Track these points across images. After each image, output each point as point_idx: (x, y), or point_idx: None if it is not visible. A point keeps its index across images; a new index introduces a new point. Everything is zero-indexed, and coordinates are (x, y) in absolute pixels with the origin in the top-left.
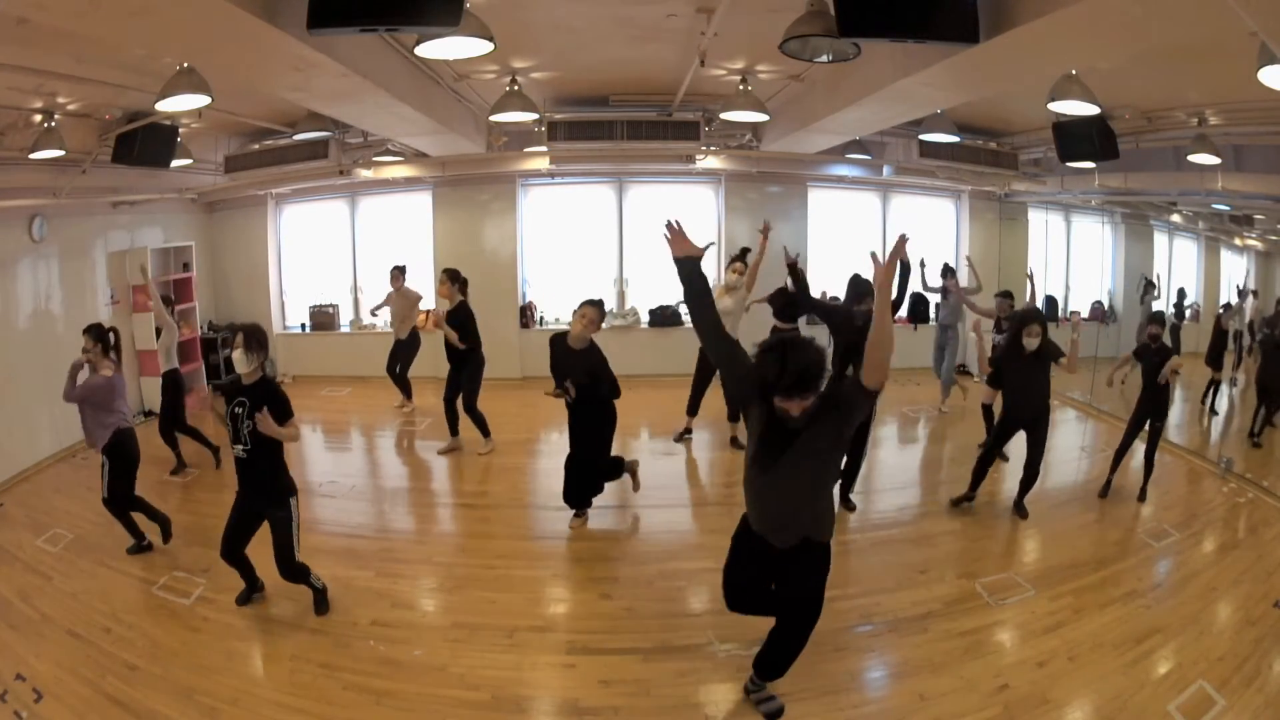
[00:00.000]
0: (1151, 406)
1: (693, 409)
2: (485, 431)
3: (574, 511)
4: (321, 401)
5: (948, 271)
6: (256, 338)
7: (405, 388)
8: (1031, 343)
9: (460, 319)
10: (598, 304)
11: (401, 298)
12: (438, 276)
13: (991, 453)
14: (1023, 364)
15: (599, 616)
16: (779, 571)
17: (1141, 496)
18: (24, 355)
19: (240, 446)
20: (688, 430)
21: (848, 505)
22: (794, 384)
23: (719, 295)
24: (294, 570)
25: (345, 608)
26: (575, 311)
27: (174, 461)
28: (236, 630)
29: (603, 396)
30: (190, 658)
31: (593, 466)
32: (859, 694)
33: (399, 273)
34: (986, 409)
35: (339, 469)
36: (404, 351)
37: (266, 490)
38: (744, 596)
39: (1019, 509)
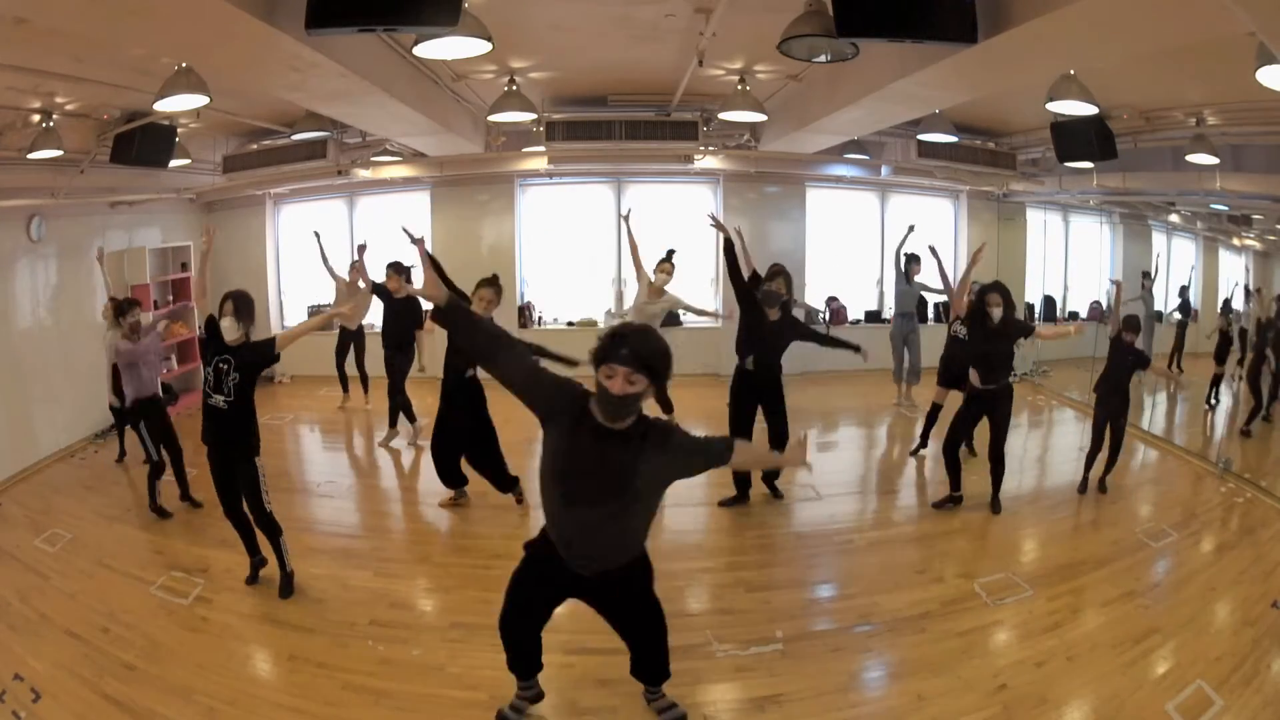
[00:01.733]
0: (1112, 405)
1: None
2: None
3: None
4: (319, 401)
5: (914, 259)
6: (247, 305)
7: (352, 382)
8: (995, 312)
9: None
10: (493, 282)
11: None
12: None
13: (957, 439)
14: (986, 338)
15: (597, 616)
16: (589, 596)
17: (1102, 488)
18: (22, 355)
19: (221, 398)
20: None
21: (775, 493)
22: (623, 350)
23: (647, 297)
24: (268, 521)
25: (343, 608)
26: (474, 293)
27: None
28: (235, 630)
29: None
30: (188, 657)
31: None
32: (857, 694)
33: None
34: (936, 409)
35: (337, 469)
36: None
37: (238, 442)
38: (525, 618)
39: (994, 506)
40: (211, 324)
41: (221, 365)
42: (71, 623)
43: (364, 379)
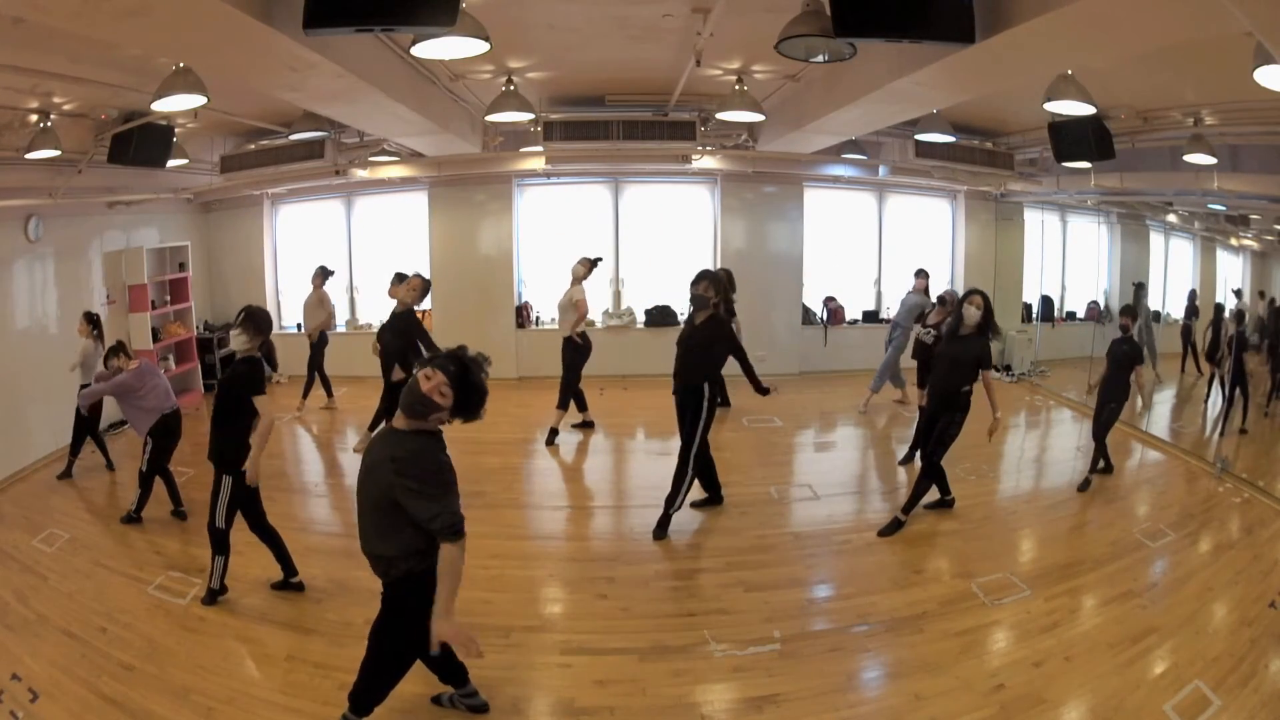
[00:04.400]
0: (1111, 393)
1: (581, 405)
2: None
3: None
4: (316, 401)
5: (921, 273)
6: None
7: (327, 385)
8: (972, 312)
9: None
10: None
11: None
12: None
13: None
14: (953, 344)
15: (595, 616)
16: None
17: (1084, 486)
18: (20, 355)
19: None
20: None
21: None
22: (451, 368)
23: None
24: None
25: (340, 607)
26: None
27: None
28: (232, 630)
29: None
30: (186, 658)
31: None
32: (855, 694)
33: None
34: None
35: (334, 469)
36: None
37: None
38: None
39: (904, 511)
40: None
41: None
42: (69, 623)
43: (322, 380)
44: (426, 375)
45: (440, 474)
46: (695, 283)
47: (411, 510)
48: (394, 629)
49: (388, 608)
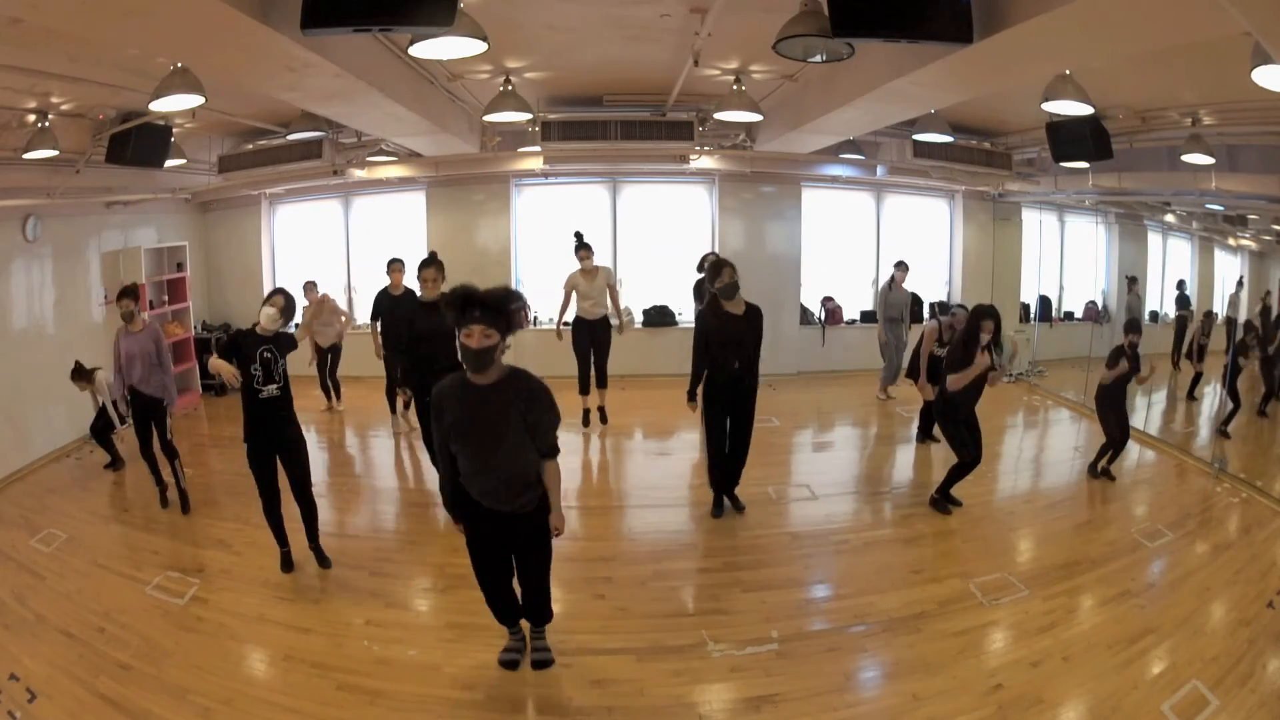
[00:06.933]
0: (1111, 407)
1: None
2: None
3: None
4: (315, 401)
5: (900, 265)
6: (291, 304)
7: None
8: (984, 338)
9: None
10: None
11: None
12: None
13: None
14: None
15: (593, 616)
16: (510, 534)
17: (1094, 471)
18: (18, 355)
19: (274, 385)
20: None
21: (736, 505)
22: (475, 312)
23: (584, 281)
24: (311, 499)
25: (339, 607)
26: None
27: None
28: (230, 630)
29: None
30: (184, 658)
31: None
32: (852, 694)
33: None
34: (928, 408)
35: (332, 468)
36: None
37: (293, 421)
38: (491, 572)
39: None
40: (237, 335)
41: (267, 355)
42: (67, 623)
43: (336, 387)
44: (467, 335)
45: (552, 397)
46: (720, 269)
47: (543, 431)
48: (547, 546)
49: (539, 534)
